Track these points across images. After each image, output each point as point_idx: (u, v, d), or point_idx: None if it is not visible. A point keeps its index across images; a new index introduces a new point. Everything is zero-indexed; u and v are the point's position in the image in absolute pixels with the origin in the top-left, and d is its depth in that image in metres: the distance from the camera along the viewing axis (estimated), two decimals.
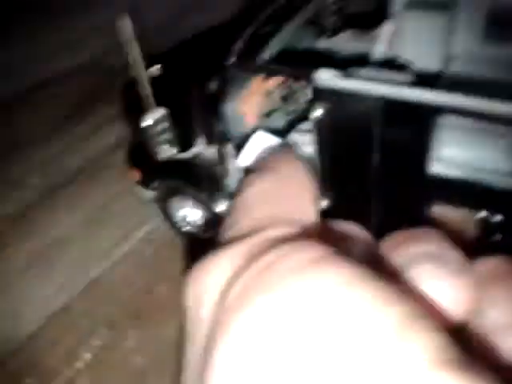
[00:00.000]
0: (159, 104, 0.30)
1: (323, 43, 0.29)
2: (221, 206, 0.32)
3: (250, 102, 0.31)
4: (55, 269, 0.37)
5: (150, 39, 0.29)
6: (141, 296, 0.33)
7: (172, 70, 0.32)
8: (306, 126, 0.29)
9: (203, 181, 0.32)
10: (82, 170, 0.43)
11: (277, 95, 0.31)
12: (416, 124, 0.22)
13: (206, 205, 0.33)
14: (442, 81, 0.24)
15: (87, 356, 0.31)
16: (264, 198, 0.16)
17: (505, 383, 0.10)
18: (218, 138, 0.31)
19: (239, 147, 0.31)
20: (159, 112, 0.30)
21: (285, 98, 0.31)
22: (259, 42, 0.30)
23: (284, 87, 0.31)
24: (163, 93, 0.30)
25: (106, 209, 0.40)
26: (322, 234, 0.14)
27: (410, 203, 0.21)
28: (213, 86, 0.30)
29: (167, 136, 0.31)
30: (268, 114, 0.32)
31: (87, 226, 0.39)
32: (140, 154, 0.37)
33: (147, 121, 0.30)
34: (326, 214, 0.15)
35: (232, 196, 0.31)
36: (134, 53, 0.28)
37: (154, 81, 0.30)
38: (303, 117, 0.30)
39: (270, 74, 0.31)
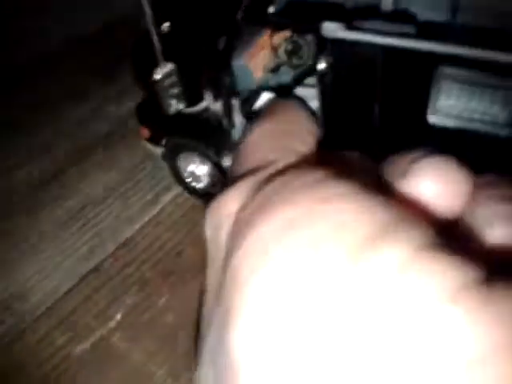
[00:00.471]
0: (169, 59, 0.30)
1: None
2: (228, 160, 0.32)
3: (257, 57, 0.31)
4: (86, 231, 0.37)
5: None
6: (171, 257, 0.34)
7: (181, 25, 0.32)
8: (311, 80, 0.29)
9: (210, 135, 0.32)
10: (109, 133, 0.43)
11: (283, 50, 0.31)
12: (417, 74, 0.22)
13: (214, 160, 0.33)
14: (448, 32, 0.24)
15: (119, 315, 0.32)
16: (267, 137, 0.17)
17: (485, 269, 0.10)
18: (226, 92, 0.31)
19: (246, 102, 0.31)
20: (168, 67, 0.30)
21: (291, 53, 0.31)
22: None
23: (289, 42, 0.31)
24: (173, 48, 0.30)
25: (135, 172, 0.40)
26: (324, 161, 0.15)
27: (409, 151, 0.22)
28: (221, 40, 0.30)
29: (176, 91, 0.31)
30: (274, 69, 0.32)
31: (116, 190, 0.39)
32: (148, 111, 0.37)
33: (156, 75, 0.30)
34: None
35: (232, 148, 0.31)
36: (146, 7, 0.28)
37: (164, 36, 0.30)
38: (309, 71, 0.30)
39: (277, 27, 0.31)
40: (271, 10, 0.29)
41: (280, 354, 0.10)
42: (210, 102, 0.32)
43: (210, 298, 0.14)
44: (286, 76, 0.32)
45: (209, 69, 0.31)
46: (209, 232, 0.14)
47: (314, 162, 0.15)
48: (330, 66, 0.24)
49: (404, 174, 0.14)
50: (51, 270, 0.36)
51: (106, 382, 0.29)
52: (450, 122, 0.23)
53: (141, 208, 0.38)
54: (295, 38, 0.30)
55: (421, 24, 0.23)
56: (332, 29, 0.23)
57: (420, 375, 0.09)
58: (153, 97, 0.35)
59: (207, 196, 0.37)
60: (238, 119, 0.31)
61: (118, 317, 0.32)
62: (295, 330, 0.10)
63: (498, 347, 0.09)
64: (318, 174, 0.12)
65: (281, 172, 0.13)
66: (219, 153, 0.33)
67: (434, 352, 0.09)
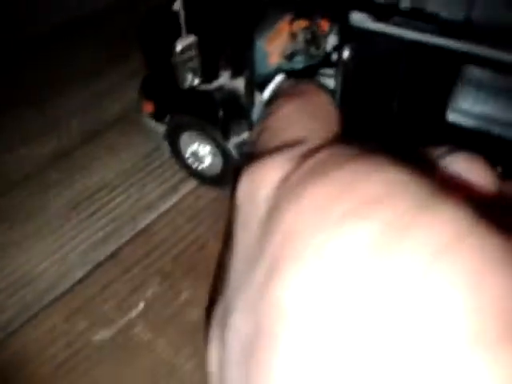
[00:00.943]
0: (190, 32, 0.30)
1: None
2: (235, 141, 0.32)
3: (276, 42, 0.32)
4: (100, 216, 0.36)
5: None
6: (193, 250, 0.33)
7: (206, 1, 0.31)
8: (327, 71, 0.30)
9: (219, 115, 0.32)
10: (122, 115, 0.42)
11: (301, 38, 0.31)
12: (440, 72, 0.23)
13: (219, 140, 0.32)
14: (467, 30, 0.25)
15: (140, 305, 0.31)
16: (296, 116, 0.18)
17: None
18: (245, 71, 0.31)
19: (260, 85, 0.31)
20: (189, 39, 0.30)
21: (308, 42, 0.31)
22: None
23: (309, 31, 0.31)
24: (195, 21, 0.30)
25: (152, 157, 0.39)
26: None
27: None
28: (245, 20, 0.30)
29: (193, 65, 0.30)
30: (291, 56, 0.32)
31: (132, 175, 0.38)
32: (154, 85, 0.36)
33: (177, 46, 0.29)
34: None
35: (253, 127, 0.32)
36: None
37: (187, 8, 0.30)
38: (325, 62, 0.31)
39: (304, 13, 0.31)
40: None
41: (327, 306, 0.10)
42: (226, 81, 0.32)
43: (240, 259, 0.15)
44: (298, 65, 0.32)
45: (233, 44, 0.31)
46: (242, 195, 0.15)
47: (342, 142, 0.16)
48: (354, 56, 0.25)
49: (441, 157, 0.15)
50: (63, 254, 0.34)
51: (131, 371, 0.28)
52: (468, 122, 0.24)
53: (159, 196, 0.37)
54: (314, 27, 0.30)
55: (441, 22, 0.24)
56: (360, 19, 0.23)
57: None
58: (161, 71, 0.34)
59: (209, 178, 0.36)
60: (258, 98, 0.31)
61: (140, 307, 0.31)
62: (341, 285, 0.10)
63: None
64: (357, 150, 0.14)
65: (319, 147, 0.14)
66: (226, 133, 0.33)
67: None
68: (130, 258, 0.33)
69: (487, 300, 0.10)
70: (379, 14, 0.24)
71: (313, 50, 0.31)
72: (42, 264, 0.34)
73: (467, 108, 0.24)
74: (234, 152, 0.33)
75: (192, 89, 0.31)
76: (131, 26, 0.45)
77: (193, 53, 0.30)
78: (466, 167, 0.14)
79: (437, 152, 0.16)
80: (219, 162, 0.34)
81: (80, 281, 0.33)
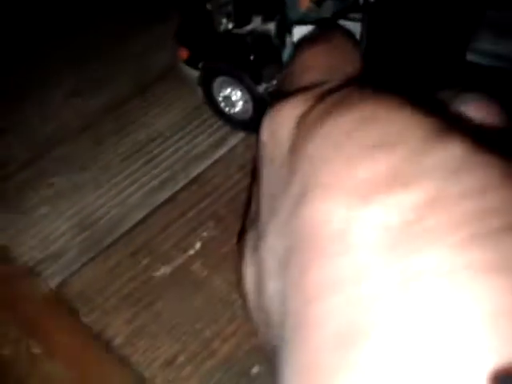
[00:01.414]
0: None
1: None
2: (265, 87, 0.33)
3: None
4: (154, 165, 0.38)
5: None
6: (244, 196, 0.35)
7: None
8: (354, 15, 0.31)
9: (250, 60, 0.33)
10: (171, 67, 0.44)
11: None
12: (462, 15, 0.24)
13: (249, 85, 0.33)
14: None
15: (197, 245, 0.33)
16: (318, 59, 0.20)
17: None
18: (276, 16, 0.32)
19: (290, 30, 0.32)
20: None
21: None
22: None
23: None
24: None
25: (200, 111, 0.41)
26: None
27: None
28: None
29: (227, 10, 0.32)
30: (319, 2, 0.33)
31: (182, 126, 0.40)
32: (188, 32, 0.37)
33: None
34: None
35: (283, 67, 0.33)
36: None
37: None
38: (351, 7, 0.31)
39: None
40: None
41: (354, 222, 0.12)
42: (257, 25, 0.33)
43: (266, 191, 0.16)
44: (327, 11, 0.33)
45: None
46: (266, 134, 0.17)
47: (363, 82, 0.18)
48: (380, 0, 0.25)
49: (453, 97, 0.16)
50: (121, 199, 0.37)
51: (189, 305, 0.31)
52: (485, 61, 0.25)
53: (209, 146, 0.39)
54: None
55: None
56: None
57: None
58: (194, 18, 0.35)
59: (241, 123, 0.38)
60: (289, 40, 0.33)
61: (197, 247, 0.33)
62: (362, 208, 0.12)
63: None
64: (376, 89, 0.15)
65: (340, 86, 0.16)
66: (257, 78, 0.34)
67: None
68: (185, 202, 0.35)
69: None
70: None
71: None
72: (102, 208, 0.36)
73: (486, 48, 0.25)
74: (265, 96, 0.34)
75: (225, 35, 0.33)
76: None
77: None
78: (474, 108, 0.16)
79: (448, 93, 0.17)
80: (250, 106, 0.36)
81: (140, 222, 0.35)
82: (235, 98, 0.36)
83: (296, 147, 0.14)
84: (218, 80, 0.36)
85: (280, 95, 0.18)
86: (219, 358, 0.29)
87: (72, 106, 0.43)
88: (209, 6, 0.31)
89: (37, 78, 0.45)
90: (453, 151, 0.12)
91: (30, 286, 0.32)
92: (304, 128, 0.14)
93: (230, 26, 0.32)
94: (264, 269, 0.15)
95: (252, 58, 0.34)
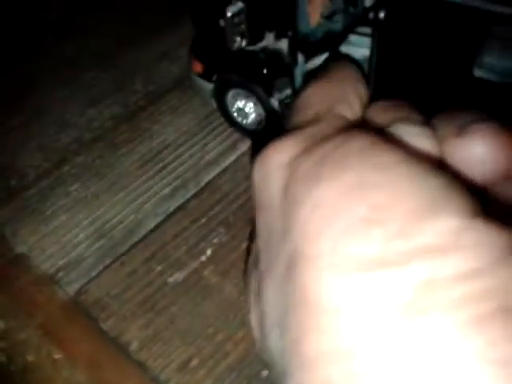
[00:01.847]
0: None
1: None
2: (277, 99, 0.34)
3: (316, 2, 0.33)
4: (166, 173, 0.39)
5: None
6: (252, 204, 0.36)
7: None
8: (363, 29, 0.31)
9: (263, 74, 0.34)
10: (182, 77, 0.45)
11: None
12: (469, 32, 0.24)
13: (262, 97, 0.35)
14: None
15: (208, 252, 0.34)
16: (318, 96, 0.20)
17: None
18: (294, 29, 0.33)
19: (301, 44, 0.33)
20: (237, 6, 0.32)
21: (347, 2, 0.33)
22: None
23: None
24: None
25: (210, 119, 0.42)
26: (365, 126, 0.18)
27: (456, 103, 0.25)
28: None
29: (241, 29, 0.33)
30: (329, 16, 0.34)
31: (194, 134, 0.41)
32: (203, 47, 0.39)
33: (227, 13, 0.32)
34: None
35: (294, 84, 0.34)
36: None
37: None
38: (360, 20, 0.32)
39: None
40: None
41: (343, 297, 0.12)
42: (270, 42, 0.34)
43: (262, 233, 0.17)
44: (337, 25, 0.34)
45: (275, 9, 0.33)
46: (257, 178, 0.17)
47: (358, 127, 0.18)
48: (389, 16, 0.26)
49: (459, 133, 0.16)
50: (135, 207, 0.38)
51: (201, 310, 0.32)
52: (493, 77, 0.25)
53: (220, 154, 0.40)
54: None
55: None
56: None
57: None
58: (209, 34, 0.37)
59: (253, 132, 0.39)
60: (300, 57, 0.33)
61: (208, 253, 0.34)
62: (353, 282, 0.12)
63: None
64: (366, 141, 0.15)
65: (328, 136, 0.16)
66: (269, 90, 0.35)
67: None
68: (196, 210, 0.37)
69: None
70: None
71: (351, 8, 0.32)
72: (118, 215, 0.37)
73: (493, 64, 0.25)
74: (276, 108, 0.35)
75: (239, 50, 0.34)
76: None
77: (241, 18, 0.32)
78: (486, 146, 0.15)
79: (464, 120, 0.16)
80: (263, 118, 0.37)
81: (154, 229, 0.36)
82: (248, 109, 0.38)
83: (288, 207, 0.15)
84: (232, 92, 0.37)
85: (284, 130, 0.18)
86: (231, 361, 0.30)
87: (87, 116, 0.44)
88: (222, 23, 0.32)
89: (54, 89, 0.47)
90: (446, 225, 0.12)
91: (50, 294, 0.34)
92: (295, 185, 0.15)
93: (244, 43, 0.33)
94: (265, 321, 0.16)
95: (265, 71, 0.35)
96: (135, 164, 0.40)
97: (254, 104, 0.37)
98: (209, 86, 0.39)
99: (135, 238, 0.36)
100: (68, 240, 0.37)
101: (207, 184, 0.38)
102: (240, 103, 0.38)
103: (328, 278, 0.12)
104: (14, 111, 0.44)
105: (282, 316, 0.14)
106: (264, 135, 0.38)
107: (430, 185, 0.13)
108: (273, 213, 0.16)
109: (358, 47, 0.30)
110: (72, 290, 0.34)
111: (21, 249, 0.36)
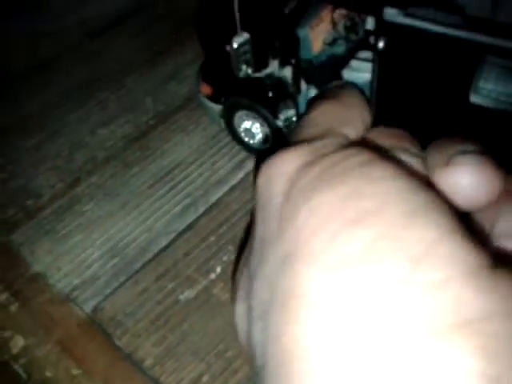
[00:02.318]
0: (243, 29, 0.33)
1: None
2: (282, 120, 0.36)
3: (318, 29, 0.35)
4: (177, 192, 0.40)
5: None
6: None
7: None
8: (364, 54, 0.33)
9: (269, 98, 0.36)
10: (190, 96, 0.46)
11: (342, 25, 0.34)
12: (463, 60, 0.26)
13: (268, 119, 0.36)
14: (491, 25, 0.27)
15: (218, 269, 0.35)
16: (323, 117, 0.21)
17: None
18: (296, 59, 0.35)
19: (305, 70, 0.35)
20: (243, 36, 0.33)
21: (348, 29, 0.34)
22: None
23: (348, 19, 0.34)
24: (246, 18, 0.33)
25: (218, 138, 0.43)
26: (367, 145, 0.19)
27: (454, 129, 0.25)
28: (290, 7, 0.34)
29: (247, 58, 0.34)
30: (331, 43, 0.35)
31: (203, 153, 0.42)
32: (211, 71, 0.40)
33: (234, 44, 0.33)
34: None
35: (298, 111, 0.36)
36: None
37: (240, 7, 0.33)
38: (362, 46, 0.33)
39: (341, 5, 0.34)
40: None
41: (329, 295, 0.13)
42: (274, 69, 0.36)
43: (259, 236, 0.18)
44: (340, 49, 0.35)
45: (280, 36, 0.34)
46: (261, 179, 0.18)
47: (358, 145, 0.19)
48: (388, 46, 0.27)
49: (446, 163, 0.17)
50: (147, 226, 0.39)
51: (212, 327, 0.33)
52: (489, 103, 0.26)
53: (228, 172, 0.41)
54: (353, 15, 0.33)
55: (467, 16, 0.26)
56: (392, 14, 0.26)
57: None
58: (217, 59, 0.38)
59: (260, 151, 0.40)
60: (303, 85, 0.35)
61: (218, 271, 0.35)
62: (340, 282, 0.13)
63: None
64: (364, 157, 0.16)
65: (330, 151, 0.17)
66: (274, 112, 0.37)
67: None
68: (206, 228, 0.38)
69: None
70: (408, 7, 0.26)
71: (352, 35, 0.34)
72: (130, 234, 0.39)
73: (489, 89, 0.26)
74: (282, 128, 0.37)
75: (246, 76, 0.36)
76: (191, 11, 0.48)
77: (246, 47, 0.34)
78: (470, 178, 0.16)
79: (453, 150, 0.17)
80: (269, 138, 0.39)
81: (165, 248, 0.37)
82: (255, 130, 0.39)
83: (288, 210, 0.16)
84: (239, 113, 0.39)
85: (287, 145, 0.19)
86: (240, 377, 0.31)
87: (99, 136, 0.46)
88: (228, 48, 0.34)
89: (67, 111, 0.48)
90: (424, 234, 0.13)
91: (67, 311, 0.35)
92: (296, 193, 0.16)
93: (250, 71, 0.35)
94: (251, 314, 0.17)
95: (270, 94, 0.37)
96: (147, 183, 0.42)
97: (261, 125, 0.38)
98: (217, 108, 0.40)
99: (148, 256, 0.37)
100: (83, 259, 0.38)
101: (216, 202, 0.39)
102: (247, 124, 0.39)
103: (316, 274, 0.14)
104: (29, 133, 0.46)
105: (267, 309, 0.15)
106: (270, 154, 0.39)
107: (416, 198, 0.14)
108: (271, 214, 0.17)
109: (360, 72, 0.31)
110: (88, 307, 0.35)
111: (38, 268, 0.37)
